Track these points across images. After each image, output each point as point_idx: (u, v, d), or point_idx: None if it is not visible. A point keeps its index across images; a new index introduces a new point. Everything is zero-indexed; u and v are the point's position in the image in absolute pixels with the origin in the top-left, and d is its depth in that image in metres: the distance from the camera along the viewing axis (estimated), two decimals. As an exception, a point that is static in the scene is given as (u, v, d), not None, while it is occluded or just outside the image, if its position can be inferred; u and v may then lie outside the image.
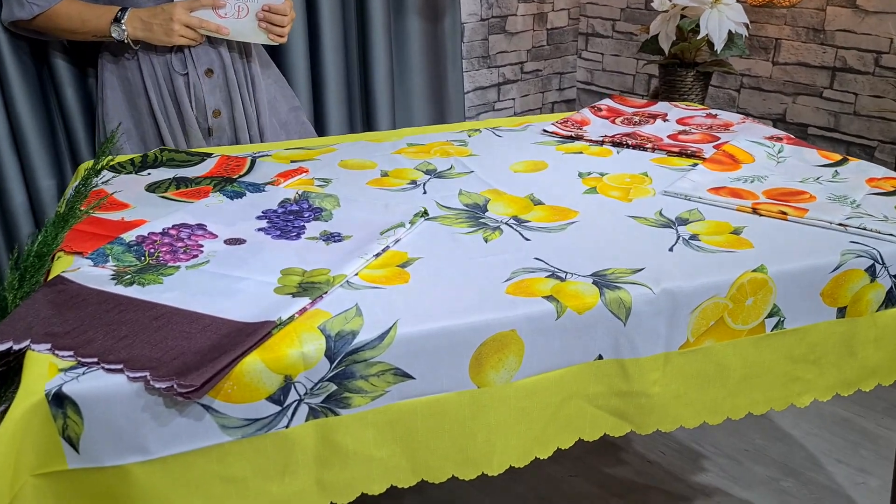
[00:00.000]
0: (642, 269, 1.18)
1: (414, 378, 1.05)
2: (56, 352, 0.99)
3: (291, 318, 1.05)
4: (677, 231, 1.30)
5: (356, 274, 1.18)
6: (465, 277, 1.16)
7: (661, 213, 1.37)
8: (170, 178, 1.54)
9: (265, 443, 1.01)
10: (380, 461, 1.07)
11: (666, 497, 1.84)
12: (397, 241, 1.28)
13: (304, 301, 1.08)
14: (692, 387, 1.19)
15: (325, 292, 1.12)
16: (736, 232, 1.29)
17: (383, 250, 1.25)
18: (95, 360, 0.97)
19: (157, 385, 0.93)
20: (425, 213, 1.36)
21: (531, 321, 1.08)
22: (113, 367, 0.96)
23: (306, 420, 1.02)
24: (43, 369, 0.96)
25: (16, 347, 1.00)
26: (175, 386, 0.92)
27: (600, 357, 1.13)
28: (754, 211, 1.36)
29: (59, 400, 0.93)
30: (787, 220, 1.33)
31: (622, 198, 1.44)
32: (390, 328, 1.03)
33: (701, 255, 1.22)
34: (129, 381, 0.94)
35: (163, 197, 1.46)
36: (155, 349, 0.99)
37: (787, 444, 1.98)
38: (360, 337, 1.02)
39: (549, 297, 1.10)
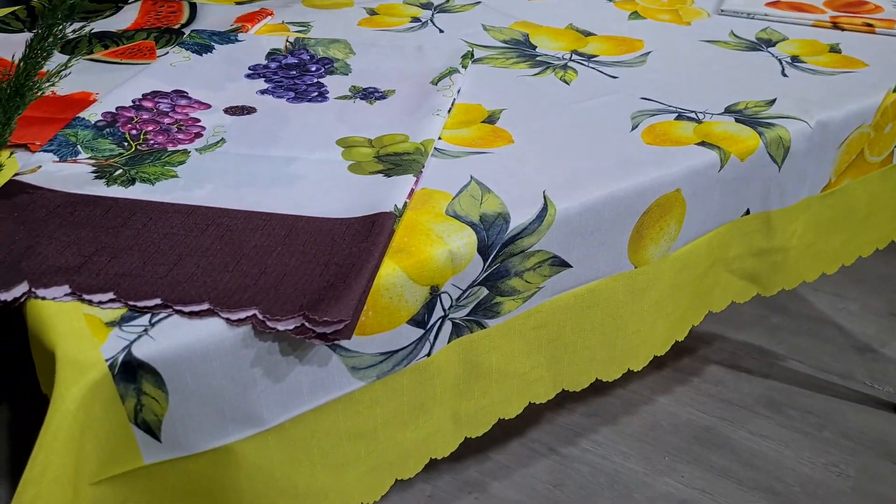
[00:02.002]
0: (774, 99, 0.96)
1: (571, 266, 0.79)
2: (84, 296, 0.64)
3: (405, 206, 0.75)
4: (771, 54, 1.09)
5: (440, 137, 0.88)
6: (580, 130, 0.90)
7: (734, 35, 1.15)
8: (85, 36, 1.11)
9: (402, 381, 0.73)
10: (521, 377, 0.83)
11: (670, 349, 1.74)
12: (459, 91, 0.98)
13: (408, 179, 0.77)
14: (822, 234, 1.02)
15: (424, 164, 0.81)
16: (835, 50, 1.10)
17: (452, 104, 0.94)
18: (158, 300, 0.63)
19: (282, 327, 0.61)
20: (472, 53, 1.05)
21: (695, 177, 0.84)
22: (194, 308, 0.63)
23: (449, 342, 0.75)
24: (77, 328, 0.61)
25: (5, 298, 0.64)
26: (306, 324, 0.61)
27: (747, 212, 0.93)
28: (835, 26, 1.17)
29: (129, 371, 0.59)
30: (875, 32, 1.15)
31: (676, 20, 1.21)
32: (545, 205, 0.76)
33: (822, 79, 1.02)
34: (228, 328, 0.62)
35: (91, 60, 1.05)
36: (236, 274, 0.66)
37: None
38: (515, 221, 0.74)
39: (706, 144, 0.86)
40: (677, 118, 0.92)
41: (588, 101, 0.96)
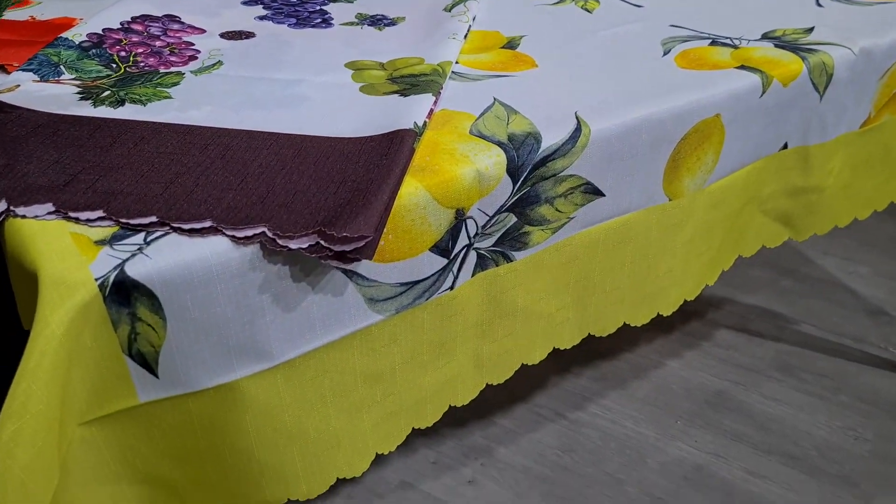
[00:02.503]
0: (812, 27, 0.90)
1: (604, 195, 0.72)
2: (70, 214, 0.56)
3: (425, 126, 0.67)
4: (800, -15, 1.03)
5: (457, 62, 0.81)
6: (608, 55, 0.83)
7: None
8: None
9: (423, 317, 0.66)
10: (546, 319, 0.76)
11: (677, 314, 1.68)
12: (474, 17, 0.91)
13: (427, 98, 0.70)
14: (859, 174, 0.96)
15: (442, 86, 0.74)
16: (869, -18, 1.04)
17: (468, 30, 0.87)
18: (154, 218, 0.56)
19: (294, 245, 0.54)
20: (485, -20, 0.98)
21: (736, 102, 0.77)
22: (195, 225, 0.55)
23: (473, 275, 0.68)
24: (62, 246, 0.54)
25: (-21, 217, 0.56)
26: (322, 242, 0.54)
27: (785, 147, 0.86)
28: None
29: (122, 293, 0.52)
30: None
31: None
32: (578, 126, 0.69)
33: (859, 10, 0.96)
34: (233, 247, 0.55)
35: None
36: (241, 193, 0.59)
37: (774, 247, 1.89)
38: (546, 141, 0.67)
39: (747, 68, 0.79)
40: (711, 44, 0.85)
41: (613, 29, 0.89)
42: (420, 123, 0.66)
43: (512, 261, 0.69)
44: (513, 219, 0.67)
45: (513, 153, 0.65)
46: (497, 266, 0.69)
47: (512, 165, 0.65)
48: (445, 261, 0.64)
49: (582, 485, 1.24)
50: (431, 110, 0.69)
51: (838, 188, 0.94)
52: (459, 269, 0.66)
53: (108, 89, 0.72)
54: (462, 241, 0.65)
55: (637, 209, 0.76)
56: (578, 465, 1.29)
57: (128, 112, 0.69)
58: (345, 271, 0.59)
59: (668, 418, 1.39)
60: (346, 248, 0.53)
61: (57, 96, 0.71)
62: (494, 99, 0.73)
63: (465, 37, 0.85)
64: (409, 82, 0.73)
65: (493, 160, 0.64)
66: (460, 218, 0.64)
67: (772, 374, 1.51)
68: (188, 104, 0.71)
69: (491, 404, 1.39)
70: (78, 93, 0.72)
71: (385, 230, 0.59)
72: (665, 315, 0.85)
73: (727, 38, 0.86)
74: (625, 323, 0.82)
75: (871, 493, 1.24)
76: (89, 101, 0.70)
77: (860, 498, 1.23)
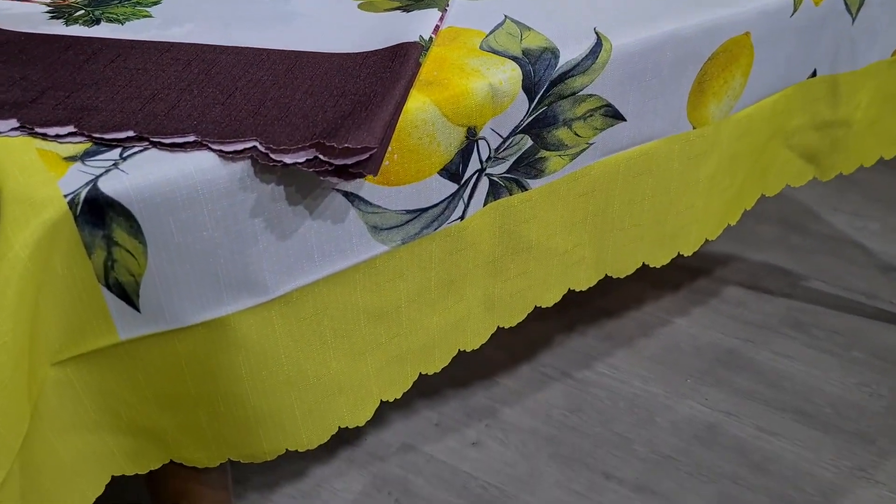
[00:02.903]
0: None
1: (625, 119, 0.66)
2: (36, 129, 0.50)
3: (431, 41, 0.61)
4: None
5: None
6: None
7: None
8: None
9: (431, 249, 0.60)
10: (561, 257, 0.70)
11: (684, 272, 1.63)
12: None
13: (433, 14, 0.64)
14: (887, 109, 0.90)
15: (449, 2, 0.68)
16: None
17: None
18: (131, 132, 0.50)
19: (290, 159, 0.48)
20: None
21: (766, 19, 0.71)
22: (177, 139, 0.49)
23: (484, 204, 0.62)
24: (27, 162, 0.47)
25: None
26: (320, 156, 0.48)
27: (814, 75, 0.80)
28: None
29: (95, 212, 0.46)
30: None
31: None
32: (598, 41, 0.62)
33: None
34: (221, 163, 0.48)
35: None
36: (229, 108, 0.53)
37: (781, 201, 1.83)
38: (564, 56, 0.61)
39: None
40: None
41: None
42: (426, 37, 0.59)
43: (527, 189, 0.64)
44: (528, 142, 0.61)
45: (529, 68, 0.59)
46: (511, 195, 0.63)
47: (528, 81, 0.59)
48: (456, 186, 0.58)
49: (590, 445, 1.19)
50: (437, 27, 0.63)
51: (866, 124, 0.88)
52: (470, 197, 0.60)
53: (81, 8, 0.66)
54: (474, 164, 0.59)
55: (659, 137, 0.70)
56: (586, 425, 1.24)
57: (103, 31, 0.63)
58: (346, 194, 0.53)
59: (678, 377, 1.34)
60: (347, 161, 0.47)
61: (27, 15, 0.64)
62: (505, 16, 0.66)
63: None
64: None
65: (508, 75, 0.58)
66: (471, 138, 0.57)
67: (783, 330, 1.46)
68: (170, 22, 0.64)
69: (494, 364, 1.34)
70: (48, 11, 0.65)
71: (390, 150, 0.53)
72: (686, 255, 0.80)
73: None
74: (644, 264, 0.77)
75: (887, 450, 1.20)
76: (61, 20, 0.64)
77: (877, 454, 1.19)
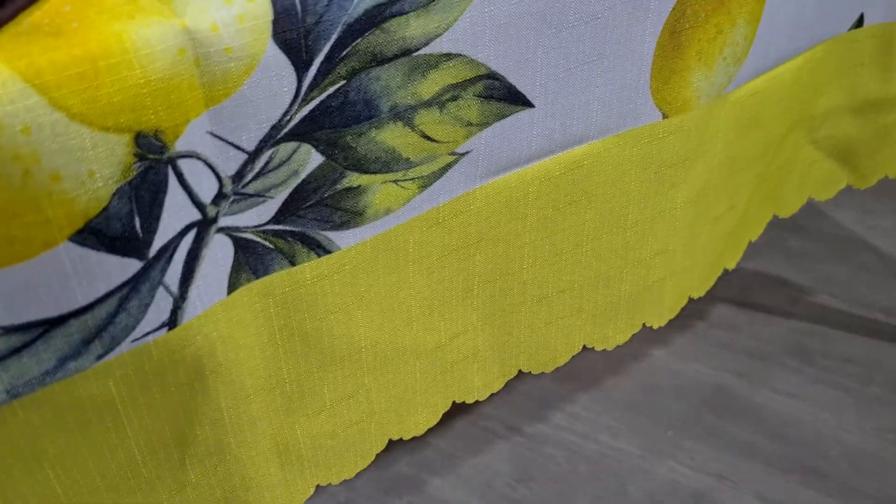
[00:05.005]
0: None
1: (531, 105, 0.33)
2: None
3: None
4: None
5: None
6: None
7: None
8: None
9: (95, 392, 0.27)
10: (429, 356, 0.37)
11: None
12: None
13: None
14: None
15: None
16: None
17: None
18: None
19: None
20: None
21: None
22: None
23: (230, 289, 0.29)
24: None
25: None
26: None
27: (860, 23, 0.47)
28: None
29: None
30: None
31: None
32: None
33: None
34: None
35: None
36: None
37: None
38: None
39: None
40: None
41: None
42: None
43: (328, 252, 0.30)
44: (313, 156, 0.28)
45: None
46: (293, 265, 0.30)
47: (289, 23, 0.25)
48: (138, 264, 0.25)
49: (541, 534, 0.89)
50: None
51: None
52: (187, 281, 0.27)
53: None
54: (181, 212, 0.25)
55: (602, 136, 0.36)
56: (538, 498, 0.95)
57: None
58: None
59: (656, 428, 1.05)
60: None
61: None
62: None
63: None
64: None
65: (238, 8, 0.24)
66: (156, 155, 0.24)
67: (784, 360, 1.16)
68: None
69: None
70: None
71: None
72: (657, 326, 0.47)
73: None
74: (584, 346, 0.44)
75: (925, 526, 0.91)
76: None
77: (911, 531, 0.90)
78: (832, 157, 0.55)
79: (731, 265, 0.51)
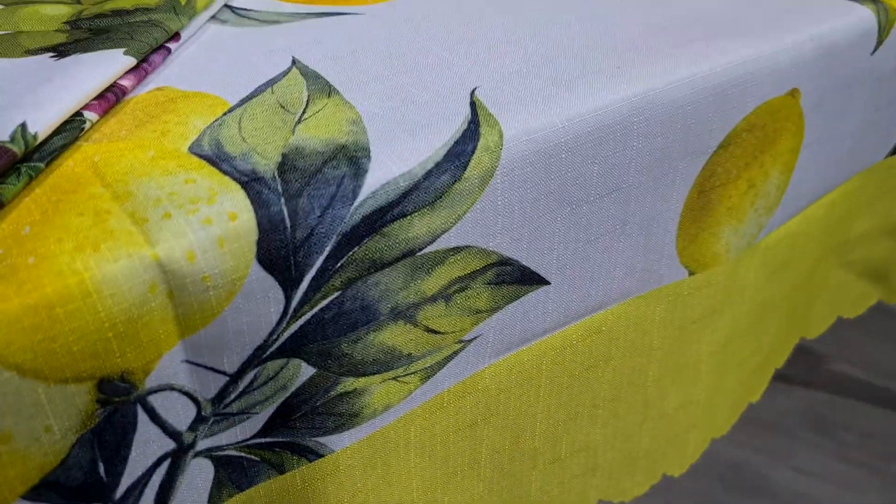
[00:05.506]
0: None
1: (547, 282, 0.30)
2: None
3: (79, 129, 0.25)
4: None
5: None
6: None
7: None
8: None
9: None
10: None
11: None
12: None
13: (111, 60, 0.27)
14: None
15: (174, 36, 0.31)
16: None
17: None
18: None
19: None
20: None
21: (829, 61, 0.35)
22: None
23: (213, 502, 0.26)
24: None
25: None
26: None
27: (894, 151, 0.44)
28: None
29: None
30: None
31: None
32: (473, 123, 0.26)
33: None
34: None
35: None
36: None
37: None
38: (382, 164, 0.24)
39: None
40: None
41: None
42: (40, 125, 0.23)
43: (320, 455, 0.27)
44: (303, 370, 0.25)
45: (279, 207, 0.22)
46: (281, 473, 0.27)
47: (275, 241, 0.22)
48: None
49: None
50: (112, 95, 0.27)
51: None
52: None
53: None
54: (152, 442, 0.23)
55: (622, 299, 0.33)
56: None
57: None
58: None
59: (668, 510, 1.01)
60: None
61: None
62: (294, 61, 0.30)
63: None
64: (97, 27, 0.31)
65: (219, 229, 0.22)
66: (122, 396, 0.21)
67: (804, 435, 1.12)
68: None
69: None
70: None
71: None
72: (678, 475, 0.44)
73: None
74: (599, 502, 0.41)
75: None
76: None
77: None
78: (864, 277, 0.52)
79: (756, 398, 0.48)
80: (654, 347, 0.36)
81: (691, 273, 0.35)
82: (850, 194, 0.43)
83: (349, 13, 0.35)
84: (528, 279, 0.29)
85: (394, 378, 0.28)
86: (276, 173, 0.23)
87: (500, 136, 0.26)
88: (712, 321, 0.38)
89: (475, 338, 0.29)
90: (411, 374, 0.28)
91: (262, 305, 0.23)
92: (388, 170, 0.24)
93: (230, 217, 0.22)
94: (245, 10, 0.35)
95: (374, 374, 0.27)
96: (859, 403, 1.18)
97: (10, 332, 0.19)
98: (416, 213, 0.24)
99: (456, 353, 0.29)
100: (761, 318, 0.41)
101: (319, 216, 0.23)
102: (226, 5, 0.36)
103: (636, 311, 0.34)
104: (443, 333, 0.28)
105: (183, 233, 0.21)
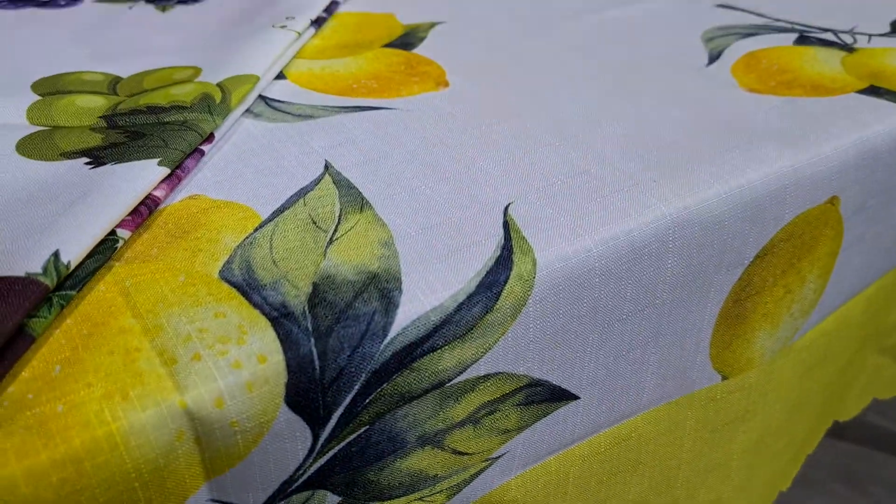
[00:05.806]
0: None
1: (577, 397, 0.30)
2: None
3: (111, 250, 0.25)
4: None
5: (283, 74, 0.38)
6: (598, 64, 0.39)
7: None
8: None
9: None
10: None
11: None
12: (352, -10, 0.48)
13: (146, 172, 0.28)
14: None
15: (208, 137, 0.32)
16: None
17: (330, 9, 0.44)
18: None
19: None
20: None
21: (872, 162, 0.34)
22: None
23: None
24: None
25: None
26: None
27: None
28: None
29: None
30: None
31: None
32: (507, 248, 0.26)
33: None
34: None
35: None
36: None
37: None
38: (415, 296, 0.24)
39: (883, 93, 0.36)
40: (800, 41, 0.42)
41: (614, 10, 0.46)
42: (73, 255, 0.23)
43: None
44: (328, 500, 0.25)
45: (308, 348, 0.22)
46: None
47: (304, 383, 0.22)
48: None
49: None
50: (146, 209, 0.27)
51: None
52: None
53: None
54: None
55: (653, 406, 0.33)
56: None
57: None
58: None
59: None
60: None
61: None
62: (327, 166, 0.30)
63: (318, 24, 0.42)
64: (131, 127, 0.31)
65: (248, 373, 0.21)
66: None
67: (832, 487, 1.10)
68: None
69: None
70: None
71: None
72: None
73: (829, 30, 0.43)
74: None
75: None
76: None
77: None
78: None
79: (787, 486, 0.47)
80: (685, 450, 0.36)
81: (724, 378, 0.35)
82: (887, 287, 0.42)
83: (383, 108, 0.35)
84: (558, 397, 0.29)
85: (419, 499, 0.27)
86: (305, 308, 0.23)
87: (534, 265, 0.25)
88: (745, 421, 0.37)
89: (503, 455, 0.29)
90: (437, 493, 0.28)
91: (289, 444, 0.22)
92: (419, 303, 0.24)
93: (259, 360, 0.22)
94: (278, 101, 0.35)
95: (400, 497, 0.27)
96: (890, 457, 1.16)
97: (38, 488, 0.19)
98: (447, 347, 0.24)
99: (482, 469, 0.29)
100: (796, 413, 0.40)
101: (349, 356, 0.23)
102: (259, 96, 0.36)
103: (667, 416, 0.34)
104: (470, 454, 0.27)
105: (212, 377, 0.21)
